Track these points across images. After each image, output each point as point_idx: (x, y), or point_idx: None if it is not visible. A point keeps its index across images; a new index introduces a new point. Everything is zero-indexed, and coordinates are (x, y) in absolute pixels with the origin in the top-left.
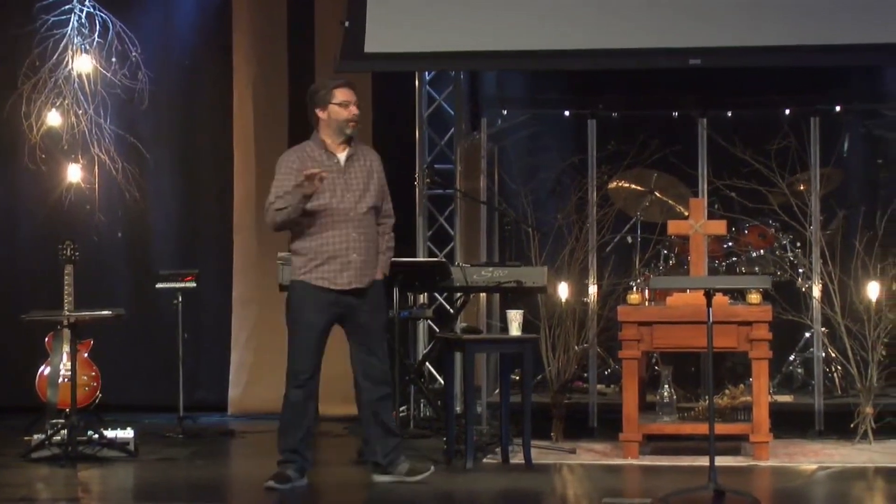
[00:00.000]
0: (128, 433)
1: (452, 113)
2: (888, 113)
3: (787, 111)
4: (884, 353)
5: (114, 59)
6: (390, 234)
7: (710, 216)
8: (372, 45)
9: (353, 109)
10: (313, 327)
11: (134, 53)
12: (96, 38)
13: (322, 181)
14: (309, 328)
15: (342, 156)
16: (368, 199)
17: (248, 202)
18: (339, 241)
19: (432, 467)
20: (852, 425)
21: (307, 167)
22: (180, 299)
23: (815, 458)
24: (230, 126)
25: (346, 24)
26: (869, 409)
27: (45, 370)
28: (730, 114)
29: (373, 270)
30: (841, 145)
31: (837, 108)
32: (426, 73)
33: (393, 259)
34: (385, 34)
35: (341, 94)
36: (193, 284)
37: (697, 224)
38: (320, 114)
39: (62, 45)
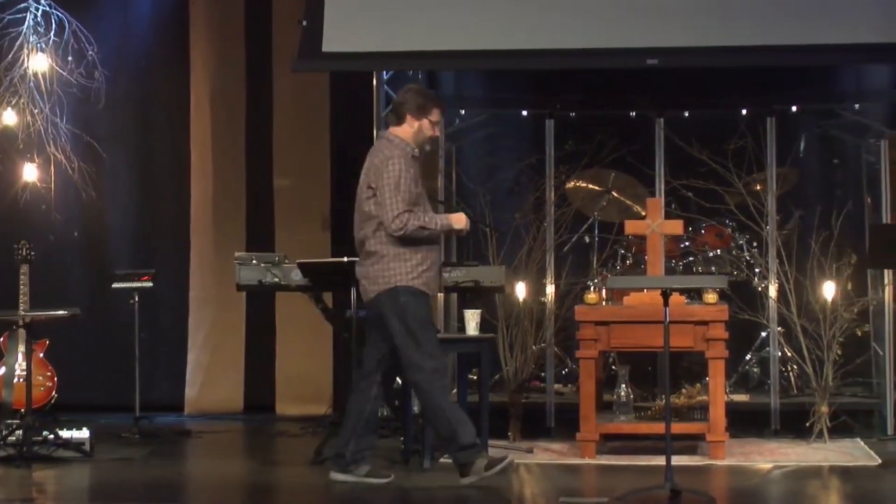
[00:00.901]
0: (83, 433)
1: None
2: (844, 113)
3: (744, 111)
4: (839, 352)
5: (70, 58)
6: None
7: (667, 216)
8: (330, 44)
9: (437, 132)
10: (434, 324)
11: (90, 52)
12: (52, 37)
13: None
14: (434, 325)
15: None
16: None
17: (205, 202)
18: (437, 250)
19: (392, 477)
20: (808, 424)
21: (417, 174)
22: (137, 299)
23: (770, 457)
24: (187, 125)
25: (304, 23)
26: (824, 409)
27: (0, 370)
28: (687, 114)
29: None
30: (797, 145)
31: (794, 109)
32: (384, 72)
33: (350, 258)
34: (343, 33)
35: (437, 115)
36: (150, 284)
37: (654, 224)
38: (411, 121)
39: (18, 43)
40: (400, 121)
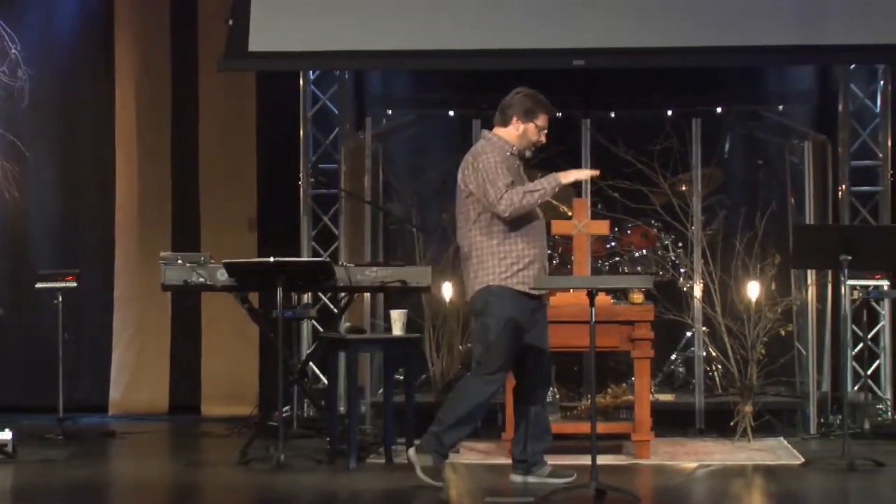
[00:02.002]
0: (6, 434)
1: (337, 112)
2: (768, 115)
3: (670, 112)
4: (763, 352)
5: None
6: None
7: (594, 216)
8: (256, 43)
9: (543, 137)
10: (517, 329)
11: (13, 51)
12: None
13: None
14: (514, 329)
15: (520, 164)
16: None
17: (129, 201)
18: (539, 247)
19: (574, 475)
20: (732, 423)
21: (511, 167)
22: (60, 299)
23: (695, 456)
24: (112, 125)
25: (230, 22)
26: (748, 408)
27: None
28: (613, 115)
29: None
30: (722, 146)
31: (719, 110)
32: (311, 72)
33: (276, 258)
34: (269, 33)
35: (543, 120)
36: (74, 284)
37: (581, 224)
38: (517, 123)
39: None
40: (506, 122)
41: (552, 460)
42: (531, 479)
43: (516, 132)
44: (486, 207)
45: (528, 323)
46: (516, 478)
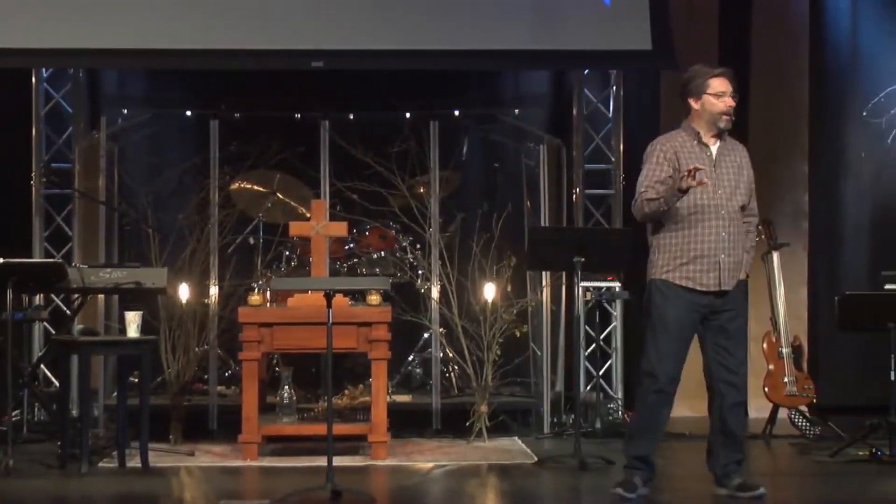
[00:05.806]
0: None
1: (71, 111)
2: (504, 118)
3: (408, 115)
4: (498, 352)
5: None
6: (755, 233)
7: (332, 218)
8: None
9: (729, 101)
10: (681, 329)
11: None
12: None
13: (701, 183)
14: (676, 329)
15: (714, 148)
16: (739, 197)
17: None
18: (709, 240)
19: (762, 489)
20: (468, 424)
21: (681, 158)
22: None
23: (431, 456)
24: None
25: None
26: (484, 408)
27: None
28: (352, 116)
29: (739, 271)
30: (459, 149)
31: (456, 113)
32: (43, 69)
33: (6, 260)
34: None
35: (717, 84)
36: None
37: (319, 225)
38: (693, 103)
39: None
40: (688, 110)
41: (290, 462)
42: (723, 491)
43: (698, 112)
44: None
45: (703, 322)
46: (717, 490)
